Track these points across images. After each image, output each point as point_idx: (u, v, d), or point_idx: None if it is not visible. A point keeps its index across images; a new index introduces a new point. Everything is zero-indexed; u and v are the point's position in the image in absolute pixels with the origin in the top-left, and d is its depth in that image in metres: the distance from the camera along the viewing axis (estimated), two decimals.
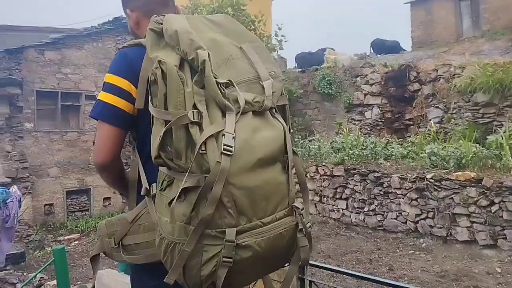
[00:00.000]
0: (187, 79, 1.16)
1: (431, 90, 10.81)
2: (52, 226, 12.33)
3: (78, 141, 13.33)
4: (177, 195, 1.13)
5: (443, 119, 10.49)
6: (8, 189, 6.98)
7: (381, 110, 11.89)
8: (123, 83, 1.41)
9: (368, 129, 12.06)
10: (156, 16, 1.34)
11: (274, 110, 1.26)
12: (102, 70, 13.76)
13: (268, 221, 1.18)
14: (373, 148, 9.35)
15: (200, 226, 1.11)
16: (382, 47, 18.56)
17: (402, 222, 8.00)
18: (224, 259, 1.11)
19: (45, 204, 12.63)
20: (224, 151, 1.07)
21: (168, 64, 1.17)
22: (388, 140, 10.18)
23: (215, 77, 1.15)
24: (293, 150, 1.27)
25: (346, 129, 11.16)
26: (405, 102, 11.40)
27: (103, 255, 1.50)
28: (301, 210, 1.25)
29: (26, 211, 10.67)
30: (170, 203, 1.16)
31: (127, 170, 1.57)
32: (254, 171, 1.13)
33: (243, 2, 12.78)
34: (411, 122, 11.26)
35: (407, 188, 7.84)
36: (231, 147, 1.08)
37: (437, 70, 10.79)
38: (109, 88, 1.42)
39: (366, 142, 9.82)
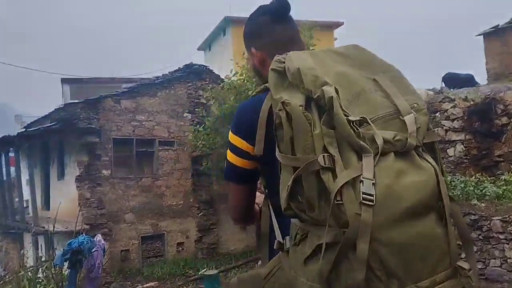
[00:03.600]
0: (315, 120, 1.05)
1: None
2: (129, 272, 12.39)
3: (152, 186, 13.52)
4: (322, 254, 1.01)
5: None
6: (93, 237, 6.99)
7: (465, 147, 11.13)
8: (238, 142, 1.41)
9: (452, 167, 11.27)
10: (278, 55, 1.25)
11: (420, 149, 1.08)
12: (174, 116, 14.05)
13: (426, 286, 0.99)
14: (464, 188, 8.65)
15: None
16: (455, 80, 17.73)
17: (508, 271, 7.20)
18: None
19: (121, 250, 12.76)
20: (363, 201, 0.93)
21: (292, 105, 1.07)
22: (479, 178, 9.41)
23: (345, 115, 1.02)
24: (449, 195, 1.07)
25: None
26: (493, 137, 10.60)
27: None
28: (468, 270, 1.03)
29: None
30: (306, 260, 1.07)
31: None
32: (402, 223, 0.96)
33: (312, 42, 12.70)
34: (501, 159, 10.42)
35: None
36: (371, 195, 0.94)
37: None
38: (231, 147, 1.43)
39: (454, 181, 9.12)
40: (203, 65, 15.37)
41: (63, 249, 6.68)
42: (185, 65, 14.74)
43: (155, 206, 13.48)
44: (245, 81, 11.92)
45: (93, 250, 6.59)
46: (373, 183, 0.95)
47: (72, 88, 18.45)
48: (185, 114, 14.25)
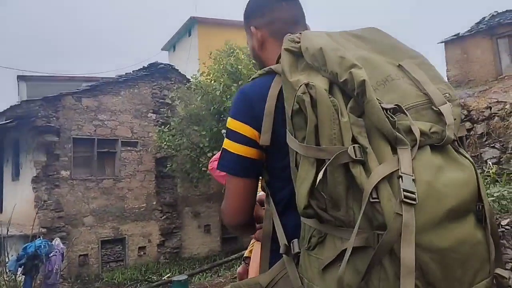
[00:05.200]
0: (341, 107, 0.93)
1: (485, 129, 10.23)
2: (87, 278, 11.88)
3: (113, 188, 13.05)
4: (345, 260, 0.87)
5: (501, 160, 9.84)
6: (51, 241, 6.57)
7: None
8: (243, 128, 1.22)
9: None
10: (290, 34, 1.13)
11: (456, 144, 0.99)
12: (138, 116, 13.66)
13: None
14: None
15: None
16: None
17: None
18: None
19: (80, 255, 12.23)
20: (405, 199, 0.82)
21: (317, 88, 0.94)
22: None
23: (379, 102, 0.92)
24: None
25: None
26: None
27: None
28: (508, 279, 0.97)
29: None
30: (325, 267, 0.94)
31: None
32: (444, 226, 0.87)
33: None
34: None
35: None
36: (413, 193, 0.83)
37: (490, 108, 10.24)
38: (231, 134, 1.24)
39: None
40: (168, 64, 15.03)
41: (18, 254, 6.24)
42: (150, 64, 14.37)
43: (116, 209, 13.01)
44: (212, 81, 11.70)
45: (51, 254, 6.19)
46: (413, 179, 0.84)
47: (29, 86, 17.63)
48: (150, 114, 13.87)
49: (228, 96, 10.63)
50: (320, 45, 1.01)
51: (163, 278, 10.62)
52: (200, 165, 11.38)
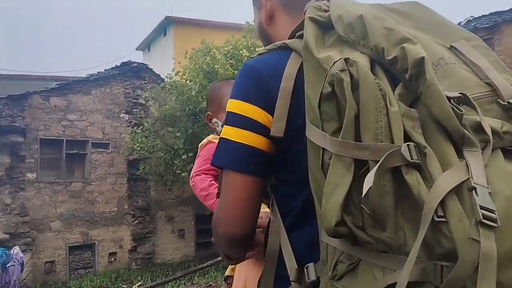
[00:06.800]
0: (389, 92, 0.72)
1: None
2: (53, 286, 11.34)
3: (83, 191, 12.50)
4: None
5: None
6: (9, 250, 6.09)
7: None
8: (253, 112, 0.94)
9: None
10: (314, 1, 0.93)
11: None
12: (110, 116, 13.16)
13: None
14: None
15: None
16: None
17: None
18: None
19: (46, 262, 11.65)
20: (484, 220, 0.60)
21: (360, 66, 0.72)
22: None
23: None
24: None
25: None
26: None
27: None
28: None
29: (25, 271, 9.69)
30: None
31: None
32: None
33: (260, 44, 12.31)
34: None
35: None
36: (493, 212, 0.61)
37: None
38: (235, 119, 0.95)
39: None
40: (142, 63, 14.57)
41: None
42: (123, 62, 13.90)
43: (85, 213, 12.45)
44: (188, 81, 11.32)
45: (9, 265, 5.72)
46: (489, 193, 0.64)
47: None
48: (122, 115, 13.37)
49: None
50: (360, 12, 0.81)
51: (134, 287, 10.15)
52: (175, 167, 10.98)
